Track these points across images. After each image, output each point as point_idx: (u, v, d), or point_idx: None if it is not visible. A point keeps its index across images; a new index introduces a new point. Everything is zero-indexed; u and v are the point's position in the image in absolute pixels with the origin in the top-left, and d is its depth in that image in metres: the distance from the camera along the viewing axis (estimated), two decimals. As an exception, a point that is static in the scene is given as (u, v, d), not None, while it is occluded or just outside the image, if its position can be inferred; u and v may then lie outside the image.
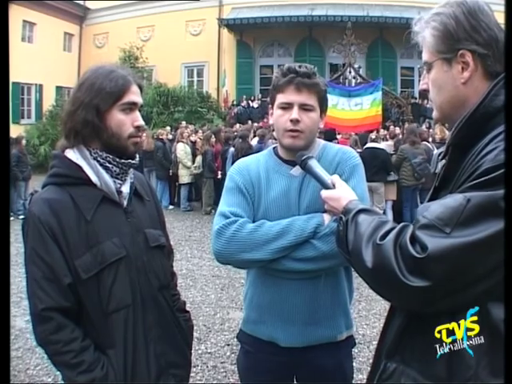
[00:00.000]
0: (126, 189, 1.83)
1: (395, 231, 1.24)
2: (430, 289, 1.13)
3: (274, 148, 2.18)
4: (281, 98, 2.01)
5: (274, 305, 2.05)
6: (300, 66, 2.00)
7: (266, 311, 2.08)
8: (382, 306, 5.93)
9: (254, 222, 2.02)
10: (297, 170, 2.03)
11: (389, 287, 1.23)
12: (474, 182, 1.16)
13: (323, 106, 2.07)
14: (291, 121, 1.97)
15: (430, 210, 1.20)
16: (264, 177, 2.08)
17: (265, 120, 17.12)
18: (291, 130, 1.99)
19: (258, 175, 2.09)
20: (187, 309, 2.13)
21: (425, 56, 1.41)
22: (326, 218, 1.93)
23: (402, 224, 1.27)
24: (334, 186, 1.74)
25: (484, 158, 1.18)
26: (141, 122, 1.80)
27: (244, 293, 2.25)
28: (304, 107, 1.99)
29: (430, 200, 1.38)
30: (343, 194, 1.65)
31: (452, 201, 1.17)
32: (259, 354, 2.14)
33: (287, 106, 1.99)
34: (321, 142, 2.15)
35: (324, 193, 1.74)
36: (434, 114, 1.45)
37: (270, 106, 2.12)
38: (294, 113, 1.97)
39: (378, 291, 1.29)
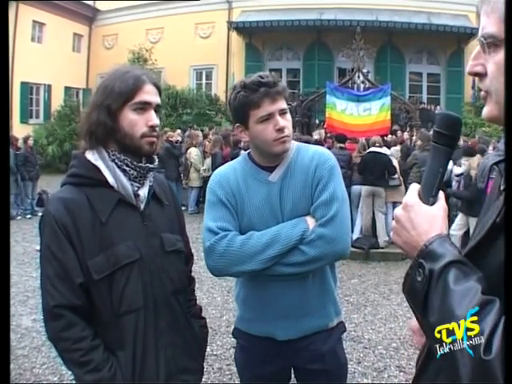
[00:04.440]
0: (143, 192, 1.83)
1: (503, 341, 0.88)
2: None
3: (248, 154, 2.17)
4: (259, 113, 1.98)
5: (267, 304, 2.10)
6: (262, 77, 1.98)
7: (261, 310, 2.13)
8: (388, 311, 5.92)
9: (239, 230, 2.06)
10: (274, 176, 2.06)
11: None
12: None
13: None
14: (279, 130, 1.98)
15: None
16: (243, 185, 2.09)
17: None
18: (281, 138, 1.99)
19: (238, 184, 2.10)
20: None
21: (491, 27, 1.00)
22: (310, 222, 1.98)
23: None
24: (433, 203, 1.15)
25: None
26: (155, 122, 1.78)
27: (235, 292, 2.29)
28: (282, 112, 2.01)
29: (488, 234, 1.03)
30: (432, 220, 1.12)
31: None
32: (256, 347, 2.19)
33: (267, 118, 1.98)
34: (294, 144, 2.14)
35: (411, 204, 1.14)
36: (491, 110, 1.04)
37: (237, 125, 2.09)
38: (281, 121, 1.98)
39: None
